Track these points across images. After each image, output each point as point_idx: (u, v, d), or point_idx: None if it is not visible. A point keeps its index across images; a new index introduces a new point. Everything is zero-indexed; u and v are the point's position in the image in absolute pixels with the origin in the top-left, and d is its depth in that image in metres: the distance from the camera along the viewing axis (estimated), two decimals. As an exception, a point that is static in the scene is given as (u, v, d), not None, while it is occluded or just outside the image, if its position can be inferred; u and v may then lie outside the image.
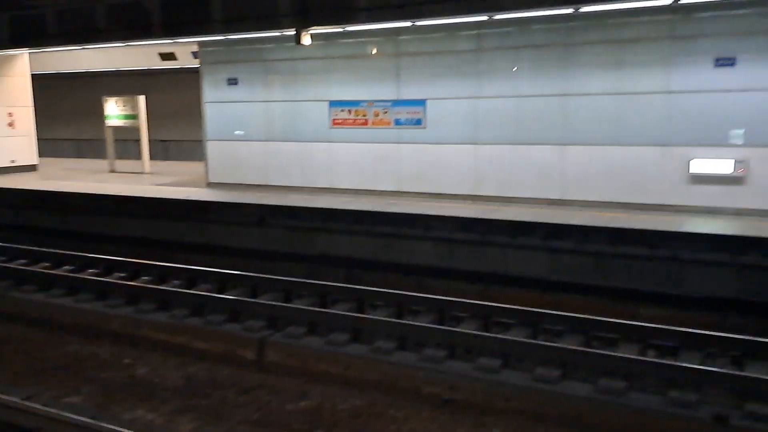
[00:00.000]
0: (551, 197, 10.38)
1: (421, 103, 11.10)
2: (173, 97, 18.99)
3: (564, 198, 10.30)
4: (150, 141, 16.85)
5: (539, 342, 6.13)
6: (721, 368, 5.62)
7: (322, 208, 10.35)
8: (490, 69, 10.57)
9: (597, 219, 8.93)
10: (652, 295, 8.04)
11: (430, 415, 5.45)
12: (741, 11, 8.76)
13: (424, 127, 11.15)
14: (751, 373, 5.51)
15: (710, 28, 9.03)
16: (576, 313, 7.03)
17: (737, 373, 5.44)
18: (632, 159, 9.77)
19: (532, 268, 8.72)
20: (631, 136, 9.73)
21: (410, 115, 11.22)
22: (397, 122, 11.37)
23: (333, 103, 11.94)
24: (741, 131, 9.05)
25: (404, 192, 11.50)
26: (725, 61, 8.96)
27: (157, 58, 16.56)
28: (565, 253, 8.52)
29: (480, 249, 9.01)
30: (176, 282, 8.61)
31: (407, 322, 6.90)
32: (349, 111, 11.78)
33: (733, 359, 6.16)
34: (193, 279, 8.70)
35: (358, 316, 7.00)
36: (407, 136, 11.35)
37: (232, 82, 12.95)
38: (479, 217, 9.24)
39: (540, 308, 7.20)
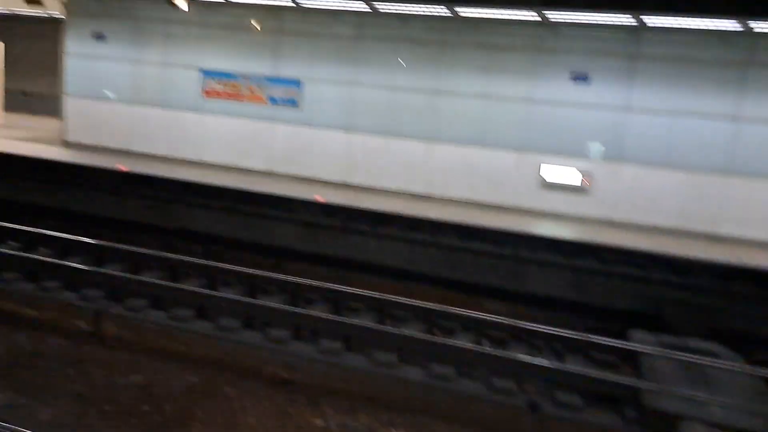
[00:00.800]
0: (416, 191, 10.70)
1: (297, 83, 11.01)
2: (39, 46, 17.46)
3: (428, 193, 10.66)
4: (10, 92, 15.39)
5: (381, 327, 6.31)
6: (540, 360, 6.07)
7: (184, 181, 9.99)
8: (368, 57, 10.67)
9: (454, 215, 9.31)
10: (495, 290, 8.54)
11: (266, 394, 5.46)
12: (597, 33, 9.47)
13: (300, 109, 11.07)
14: (565, 366, 6.02)
15: (571, 46, 9.68)
16: (424, 302, 7.34)
17: (551, 365, 5.90)
18: (493, 161, 10.29)
19: (390, 258, 8.97)
20: (493, 139, 10.24)
21: (285, 94, 11.09)
22: (272, 100, 11.20)
23: (206, 73, 11.53)
24: (595, 145, 9.80)
25: (275, 172, 11.36)
26: (581, 78, 9.65)
27: (22, 2, 15.13)
28: (421, 245, 8.83)
29: (342, 236, 9.12)
30: (13, 244, 7.98)
31: (253, 301, 6.84)
32: (223, 83, 11.44)
33: (556, 352, 6.72)
34: (32, 242, 8.10)
35: (204, 293, 6.84)
36: (282, 116, 11.22)
37: (99, 37, 12.13)
38: (345, 204, 9.33)
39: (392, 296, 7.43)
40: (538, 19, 9.12)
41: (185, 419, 4.96)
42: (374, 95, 10.70)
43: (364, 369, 5.72)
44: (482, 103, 10.19)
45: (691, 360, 6.13)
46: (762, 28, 8.16)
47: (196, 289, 6.90)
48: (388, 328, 6.32)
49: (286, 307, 6.69)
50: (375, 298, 7.14)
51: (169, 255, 7.92)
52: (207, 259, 8.37)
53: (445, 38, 10.22)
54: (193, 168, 11.35)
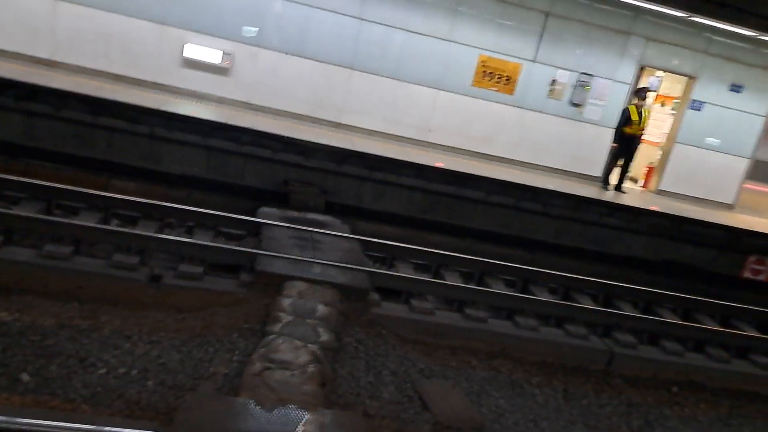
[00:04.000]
0: (40, 56, 9.42)
1: None
2: None
3: (54, 59, 9.48)
4: None
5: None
6: (165, 235, 6.27)
7: None
8: None
9: (83, 86, 8.56)
10: (130, 169, 8.30)
11: None
12: None
13: None
14: (190, 239, 6.34)
15: None
16: (44, 180, 6.77)
17: (176, 239, 6.15)
18: (131, 31, 9.58)
19: (1, 131, 7.88)
20: (132, 6, 9.47)
21: None
22: None
23: None
24: (237, 27, 9.82)
25: None
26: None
27: None
28: (42, 117, 7.96)
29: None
30: None
31: None
32: None
33: (188, 229, 7.00)
34: None
35: None
36: None
37: None
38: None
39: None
40: None
41: None
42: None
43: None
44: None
45: (301, 229, 7.05)
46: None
47: None
48: (-8, 208, 5.72)
49: None
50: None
51: None
52: None
53: None
54: None
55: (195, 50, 9.72)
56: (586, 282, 7.78)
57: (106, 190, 7.19)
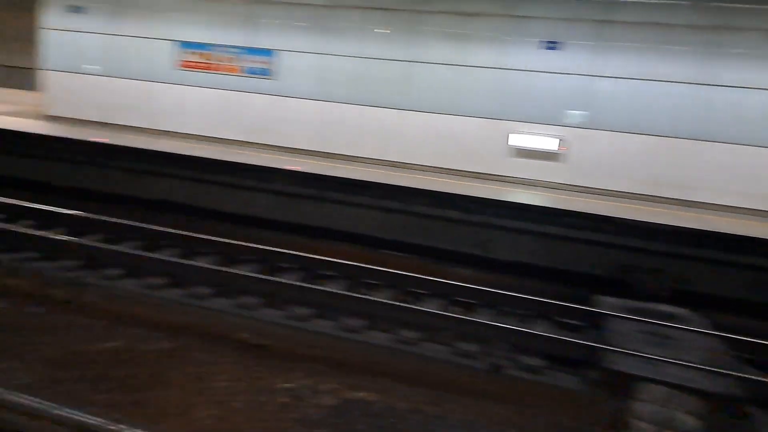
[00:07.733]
0: (391, 159, 10.75)
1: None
2: (21, 19, 17.13)
3: (401, 161, 10.73)
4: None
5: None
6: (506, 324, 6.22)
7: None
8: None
9: (424, 182, 9.36)
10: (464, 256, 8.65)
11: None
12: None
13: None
14: (532, 330, 6.18)
15: (540, 12, 9.63)
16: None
17: (521, 329, 6.06)
18: (467, 128, 10.30)
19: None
20: (467, 106, 10.24)
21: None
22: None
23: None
24: (576, 112, 9.78)
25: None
26: (551, 45, 9.61)
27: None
28: (395, 212, 8.89)
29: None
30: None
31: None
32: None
33: (520, 317, 6.89)
34: (14, 215, 8.17)
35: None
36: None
37: (77, 9, 12.04)
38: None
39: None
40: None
41: (159, 383, 5.11)
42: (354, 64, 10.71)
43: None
44: (454, 71, 10.22)
45: (652, 322, 6.32)
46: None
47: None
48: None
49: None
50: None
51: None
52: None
53: (415, 6, 10.20)
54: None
55: (528, 140, 9.91)
56: None
57: (444, 278, 7.58)
